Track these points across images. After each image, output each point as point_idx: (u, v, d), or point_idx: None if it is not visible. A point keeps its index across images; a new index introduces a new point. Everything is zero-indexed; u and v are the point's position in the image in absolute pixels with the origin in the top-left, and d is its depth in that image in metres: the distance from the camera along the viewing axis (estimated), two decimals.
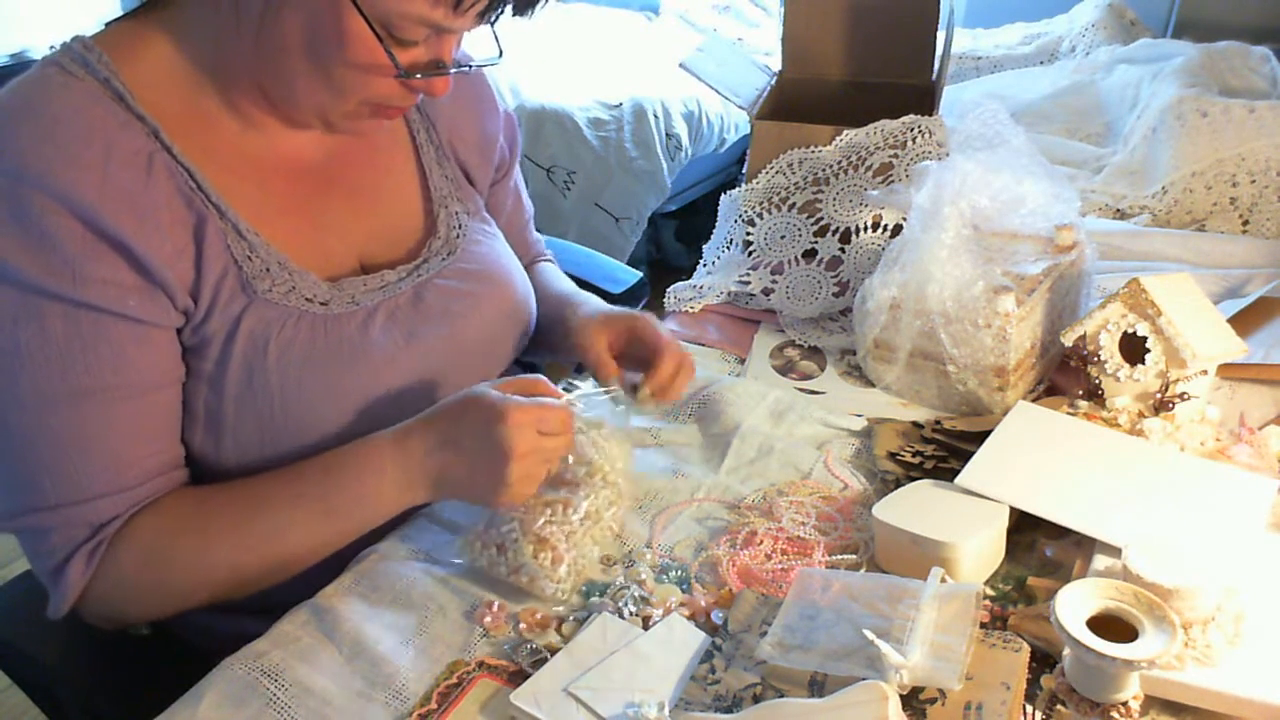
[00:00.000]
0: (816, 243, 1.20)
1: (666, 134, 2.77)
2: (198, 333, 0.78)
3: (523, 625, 0.75)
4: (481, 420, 0.75)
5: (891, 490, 0.83)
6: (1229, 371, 1.00)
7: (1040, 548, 0.79)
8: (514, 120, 1.08)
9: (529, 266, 1.12)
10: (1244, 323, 1.04)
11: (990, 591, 0.75)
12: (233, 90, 0.80)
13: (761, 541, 0.82)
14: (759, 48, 3.15)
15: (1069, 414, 0.92)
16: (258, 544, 0.78)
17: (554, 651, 0.71)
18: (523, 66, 2.87)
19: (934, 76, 1.40)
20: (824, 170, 1.20)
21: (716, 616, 0.74)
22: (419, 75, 0.76)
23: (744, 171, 1.27)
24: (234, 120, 0.81)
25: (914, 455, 0.91)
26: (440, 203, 0.95)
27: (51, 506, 0.74)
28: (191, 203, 0.76)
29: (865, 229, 1.17)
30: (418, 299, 0.90)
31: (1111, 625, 0.62)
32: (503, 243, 1.02)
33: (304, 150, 0.86)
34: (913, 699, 0.64)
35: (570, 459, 0.83)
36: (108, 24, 0.79)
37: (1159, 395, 0.91)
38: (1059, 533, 0.79)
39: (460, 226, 0.96)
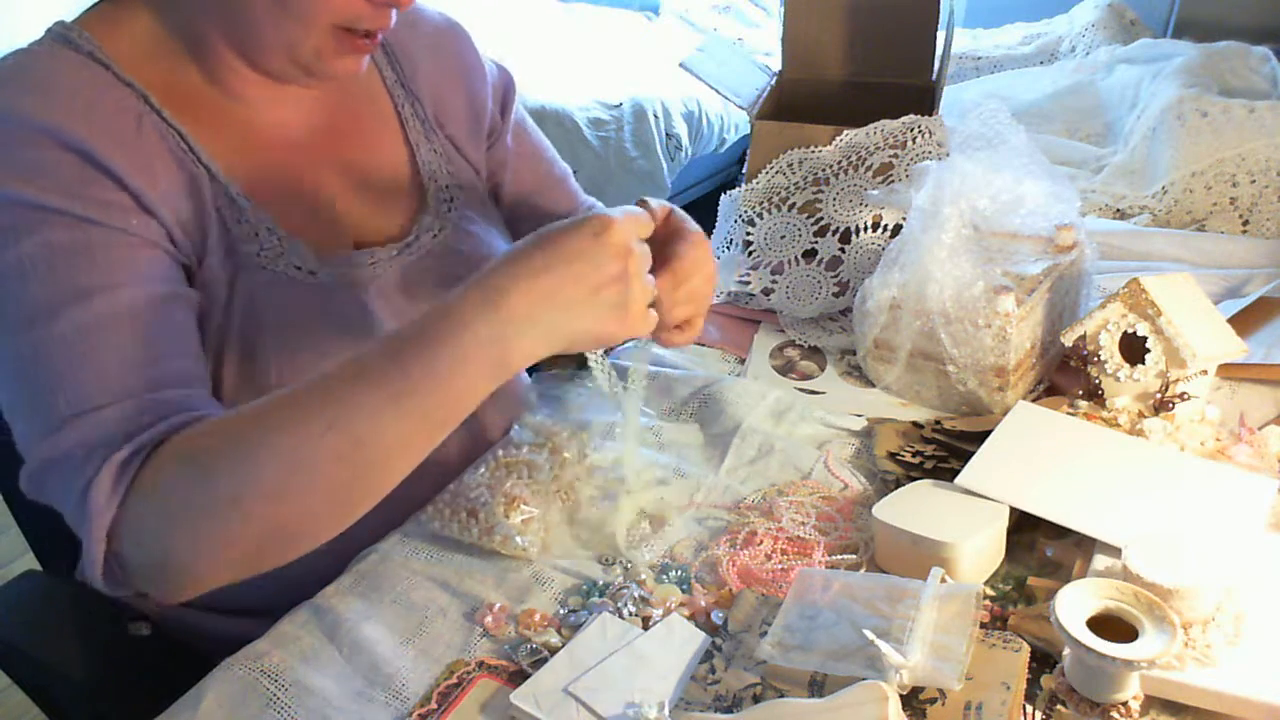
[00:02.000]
0: (816, 243, 1.20)
1: (666, 134, 2.77)
2: (200, 289, 0.77)
3: (523, 625, 0.75)
4: (585, 231, 0.65)
5: (891, 490, 0.83)
6: (1229, 371, 1.00)
7: (1040, 548, 0.79)
8: (507, 76, 1.05)
9: None
10: (1244, 323, 1.04)
11: (990, 591, 0.75)
12: (210, 58, 0.80)
13: (761, 542, 0.82)
14: (759, 48, 3.15)
15: (1069, 414, 0.92)
16: (318, 434, 0.62)
17: (554, 651, 0.71)
18: (522, 66, 2.87)
19: (934, 76, 1.40)
20: (824, 170, 1.20)
21: (716, 616, 0.74)
22: None
23: (744, 171, 1.27)
24: (217, 92, 0.81)
25: (914, 455, 0.91)
26: (430, 177, 0.95)
27: (66, 419, 0.66)
28: (183, 163, 0.77)
29: (865, 229, 1.17)
30: (406, 278, 0.89)
31: (1111, 625, 0.62)
32: (500, 226, 1.02)
33: (291, 122, 0.86)
34: (913, 699, 0.64)
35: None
36: (87, 10, 0.80)
37: (1159, 395, 0.91)
38: (1059, 533, 0.79)
39: (451, 200, 0.96)
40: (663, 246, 0.74)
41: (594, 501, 0.86)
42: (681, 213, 0.78)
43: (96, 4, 0.80)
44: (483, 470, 0.88)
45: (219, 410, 0.72)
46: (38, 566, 1.08)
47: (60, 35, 0.76)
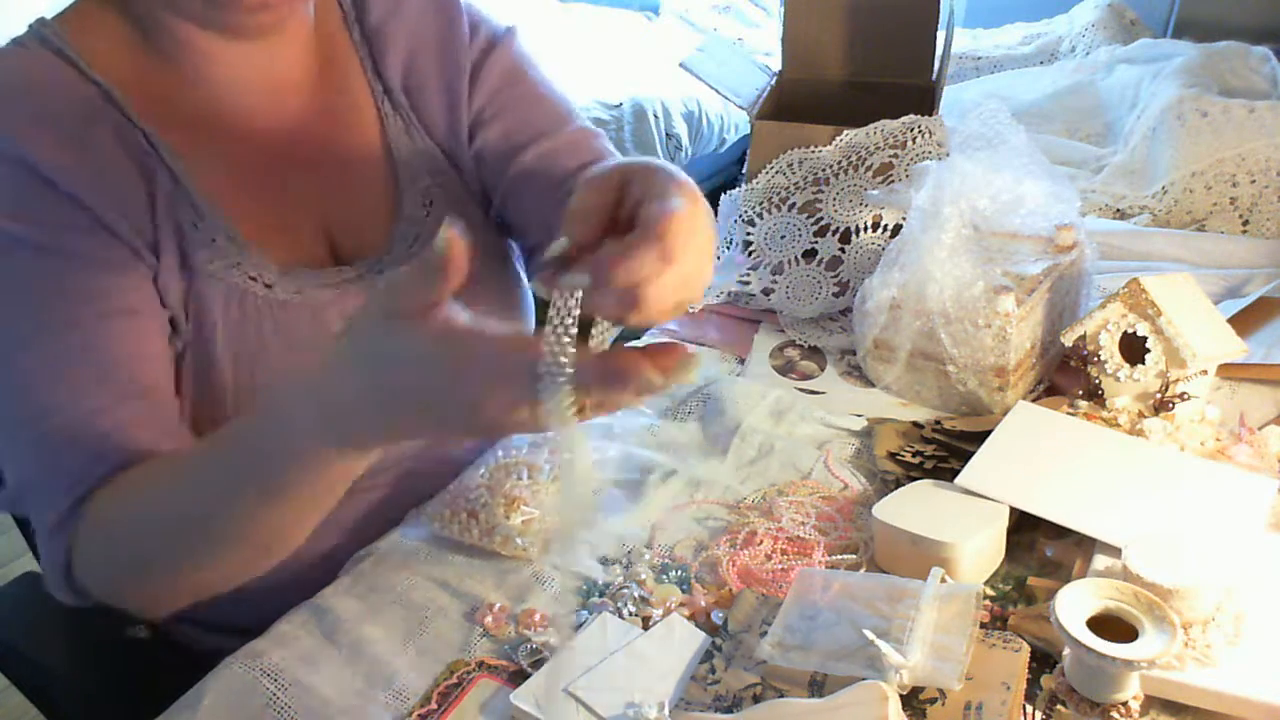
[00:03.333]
0: (816, 243, 1.20)
1: (666, 134, 2.77)
2: (161, 296, 0.75)
3: (522, 625, 0.75)
4: (371, 315, 0.52)
5: (891, 490, 0.83)
6: (1229, 371, 1.00)
7: (1040, 548, 0.79)
8: (493, 28, 0.91)
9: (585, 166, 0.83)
10: (1244, 323, 1.04)
11: (990, 591, 0.75)
12: (157, 31, 0.76)
13: (761, 541, 0.82)
14: (759, 48, 3.15)
15: (1069, 414, 0.92)
16: (192, 522, 0.64)
17: (554, 652, 0.71)
18: None
19: (934, 76, 1.40)
20: (824, 170, 1.20)
21: (716, 616, 0.74)
22: None
23: (744, 171, 1.27)
24: (174, 72, 0.77)
25: (914, 455, 0.91)
26: (407, 176, 0.87)
27: (23, 450, 0.69)
28: (143, 165, 0.74)
29: (865, 229, 1.17)
30: None
31: (1111, 625, 0.62)
32: (490, 236, 0.93)
33: (261, 114, 0.80)
34: (913, 699, 0.64)
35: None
36: (71, 4, 0.78)
37: (1159, 395, 0.91)
38: (1059, 533, 0.79)
39: (430, 204, 0.87)
40: (641, 210, 0.51)
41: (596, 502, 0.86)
42: (652, 168, 0.55)
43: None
44: (482, 471, 0.88)
45: (168, 439, 0.71)
46: (37, 567, 1.08)
47: (37, 32, 0.75)
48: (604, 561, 0.82)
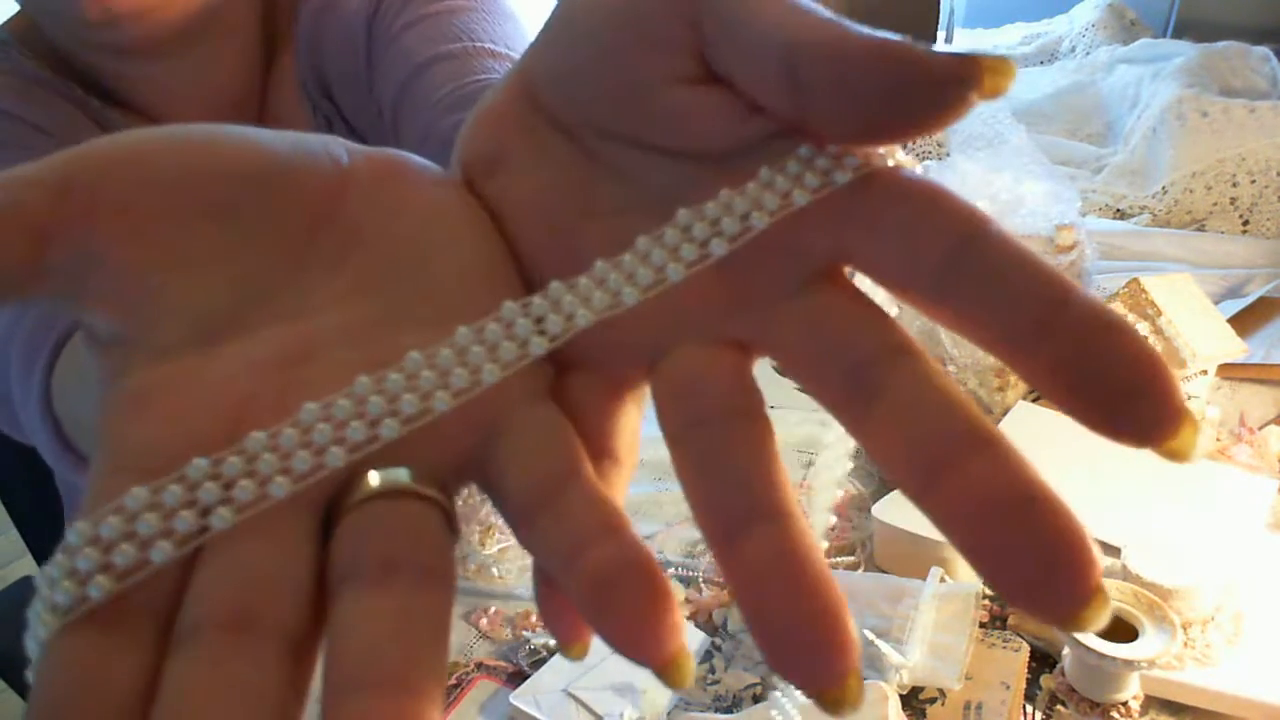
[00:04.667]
0: None
1: None
2: None
3: (519, 626, 0.75)
4: None
5: (891, 490, 0.83)
6: (1229, 371, 0.99)
7: None
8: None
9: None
10: (1244, 323, 1.04)
11: (990, 591, 0.75)
12: (77, 63, 0.71)
13: None
14: None
15: None
16: None
17: (554, 651, 0.71)
18: None
19: None
20: None
21: (717, 616, 0.74)
22: None
23: None
24: (117, 115, 0.73)
25: None
26: None
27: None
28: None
29: None
30: None
31: (1111, 625, 0.62)
32: None
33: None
34: (913, 699, 0.64)
35: None
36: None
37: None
38: None
39: None
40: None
41: None
42: None
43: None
44: (456, 500, 0.86)
45: None
46: (37, 569, 1.08)
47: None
48: None
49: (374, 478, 0.20)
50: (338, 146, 0.25)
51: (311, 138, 0.25)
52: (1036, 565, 0.17)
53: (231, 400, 0.21)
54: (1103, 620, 0.17)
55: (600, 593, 0.19)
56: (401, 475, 0.21)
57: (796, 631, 0.18)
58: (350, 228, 0.24)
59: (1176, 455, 0.18)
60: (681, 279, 0.22)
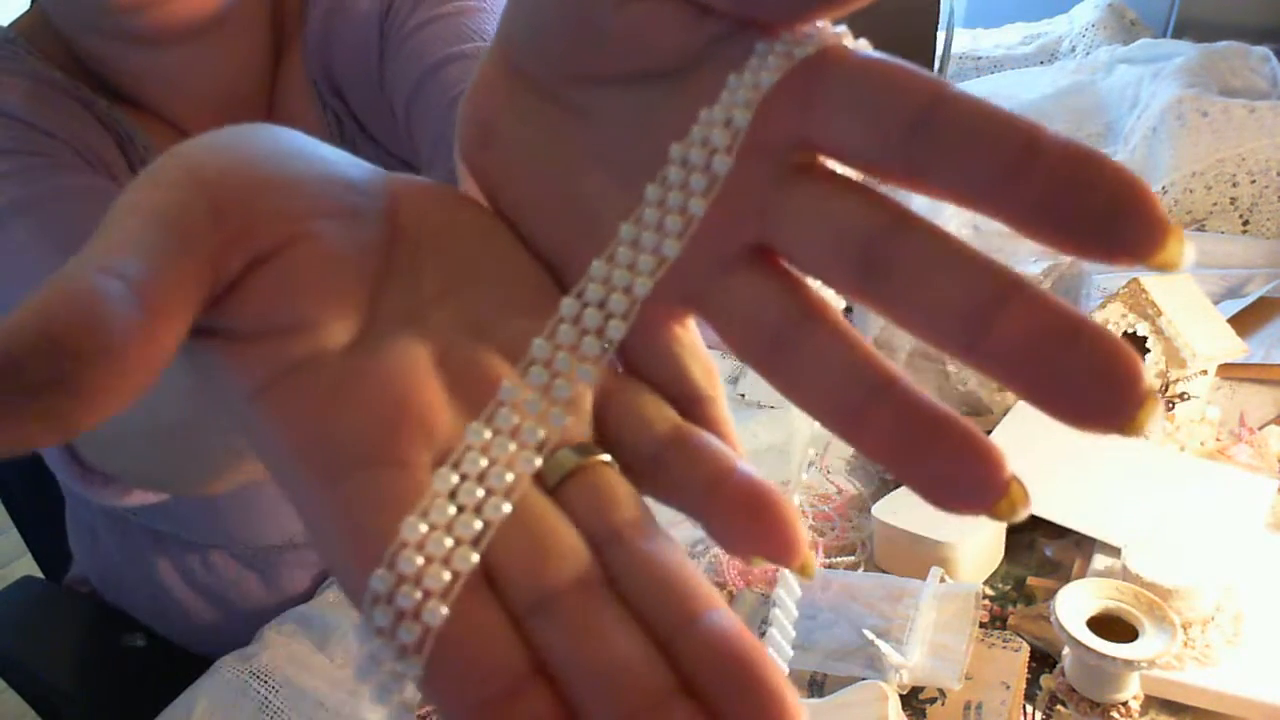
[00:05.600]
0: None
1: None
2: None
3: None
4: None
5: (891, 490, 0.83)
6: (1229, 371, 0.99)
7: (1040, 547, 0.79)
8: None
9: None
10: (1244, 323, 1.04)
11: (990, 591, 0.75)
12: (86, 54, 0.71)
13: None
14: None
15: None
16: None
17: None
18: None
19: None
20: None
21: None
22: None
23: None
24: (123, 110, 0.73)
25: None
26: None
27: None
28: (118, 136, 0.71)
29: None
30: None
31: (1111, 625, 0.62)
32: None
33: (202, 126, 0.74)
34: (913, 699, 0.64)
35: None
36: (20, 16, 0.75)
37: (1159, 395, 0.91)
38: (1058, 533, 0.78)
39: None
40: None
41: None
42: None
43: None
44: None
45: None
46: (36, 568, 1.08)
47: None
48: None
49: (569, 454, 0.22)
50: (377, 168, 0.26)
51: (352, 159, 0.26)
52: (1095, 381, 0.19)
53: (422, 385, 0.22)
54: (1154, 411, 0.19)
55: (755, 506, 0.21)
56: (578, 452, 0.22)
57: (958, 475, 0.21)
58: (412, 243, 0.25)
59: (1167, 265, 0.19)
60: (704, 211, 0.22)
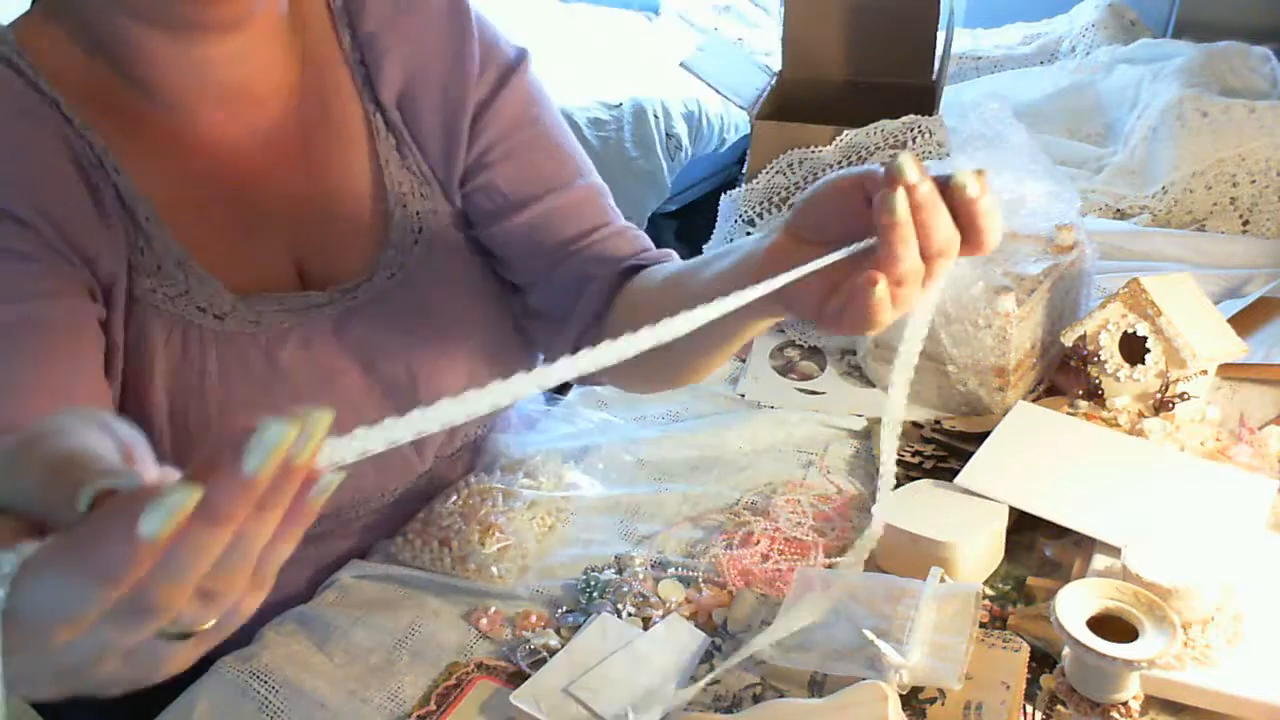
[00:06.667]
0: None
1: (666, 134, 2.77)
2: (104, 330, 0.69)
3: (519, 627, 0.75)
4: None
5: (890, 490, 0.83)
6: (1229, 371, 1.00)
7: (1040, 548, 0.79)
8: (509, 52, 0.83)
9: (626, 273, 0.80)
10: (1244, 323, 1.04)
11: (990, 591, 0.75)
12: (109, 36, 0.70)
13: (758, 542, 0.82)
14: (759, 48, 3.15)
15: (1069, 414, 0.92)
16: None
17: (553, 652, 0.71)
18: None
19: (934, 76, 1.40)
20: (824, 170, 1.20)
21: (716, 616, 0.74)
22: None
23: (744, 171, 1.27)
24: (129, 82, 0.71)
25: (914, 455, 0.91)
26: (398, 202, 0.80)
27: None
28: (90, 181, 0.69)
29: None
30: (341, 329, 0.77)
31: (1111, 625, 0.62)
32: (483, 274, 0.85)
33: (222, 122, 0.74)
34: (913, 699, 0.64)
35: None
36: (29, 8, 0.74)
37: (1159, 395, 0.91)
38: (1059, 533, 0.78)
39: (419, 231, 0.81)
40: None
41: (575, 526, 0.85)
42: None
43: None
44: (455, 499, 0.85)
45: None
46: None
47: None
48: (598, 568, 0.82)
49: None
50: None
51: None
52: None
53: None
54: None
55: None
56: None
57: None
58: None
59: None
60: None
